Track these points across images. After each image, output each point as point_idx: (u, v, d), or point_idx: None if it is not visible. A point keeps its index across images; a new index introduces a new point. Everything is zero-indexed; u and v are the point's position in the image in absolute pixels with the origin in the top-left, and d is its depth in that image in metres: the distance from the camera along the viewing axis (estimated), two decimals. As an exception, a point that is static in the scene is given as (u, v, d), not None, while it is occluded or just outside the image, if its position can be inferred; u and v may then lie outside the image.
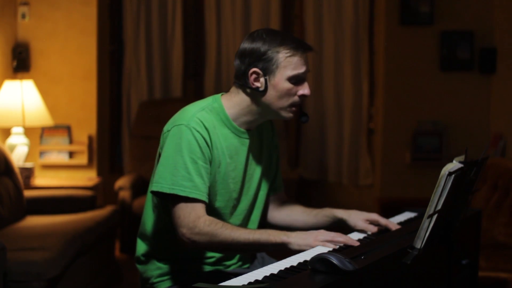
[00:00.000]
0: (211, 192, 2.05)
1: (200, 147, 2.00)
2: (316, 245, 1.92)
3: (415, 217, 2.41)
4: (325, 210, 2.27)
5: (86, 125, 5.07)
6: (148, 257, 2.17)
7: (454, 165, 1.78)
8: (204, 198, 2.00)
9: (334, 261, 1.60)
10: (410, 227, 2.16)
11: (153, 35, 5.60)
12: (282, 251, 1.96)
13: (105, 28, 5.43)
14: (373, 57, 5.50)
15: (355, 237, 2.08)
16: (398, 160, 5.23)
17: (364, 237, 2.11)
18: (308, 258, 1.73)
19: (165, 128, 2.07)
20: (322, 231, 1.97)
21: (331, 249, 1.90)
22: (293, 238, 1.94)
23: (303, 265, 1.75)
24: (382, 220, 2.19)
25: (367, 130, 5.55)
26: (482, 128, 5.07)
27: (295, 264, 1.76)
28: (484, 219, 3.60)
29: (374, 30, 5.49)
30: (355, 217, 2.20)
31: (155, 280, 2.15)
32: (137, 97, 5.59)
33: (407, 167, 5.22)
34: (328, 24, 5.52)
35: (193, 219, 1.96)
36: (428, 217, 1.75)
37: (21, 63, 4.92)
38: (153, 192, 2.03)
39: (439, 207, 1.75)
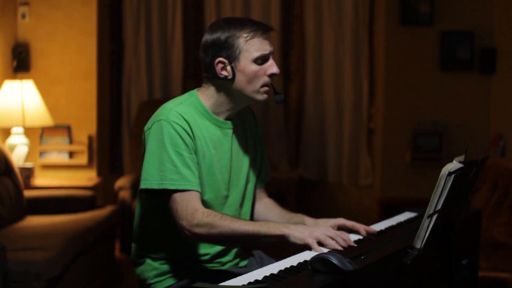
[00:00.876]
0: (200, 182, 2.05)
1: (182, 139, 2.01)
2: (309, 242, 1.90)
3: (415, 217, 2.40)
4: (298, 215, 2.26)
5: (86, 125, 5.07)
6: (143, 258, 2.17)
7: (454, 165, 1.78)
8: (196, 187, 2.00)
9: (334, 261, 1.60)
10: (410, 227, 2.16)
11: (153, 35, 5.60)
12: (282, 244, 1.95)
13: (105, 28, 5.43)
14: (373, 57, 5.50)
15: (353, 238, 2.08)
16: (398, 160, 5.23)
17: (363, 238, 2.10)
18: (308, 258, 1.73)
19: (146, 127, 2.09)
20: (321, 228, 1.96)
21: (325, 250, 1.89)
22: (291, 230, 1.93)
23: (303, 265, 1.75)
24: (348, 223, 2.15)
25: (367, 130, 5.55)
26: (482, 128, 5.07)
27: (295, 264, 1.76)
28: (484, 219, 3.60)
29: (374, 30, 5.49)
30: (321, 225, 2.15)
31: (152, 281, 2.15)
32: (137, 97, 5.59)
33: (407, 167, 5.22)
34: (328, 24, 5.52)
35: (191, 211, 1.97)
36: (428, 217, 1.75)
37: (21, 63, 4.92)
38: (142, 190, 2.03)
39: (439, 207, 1.75)
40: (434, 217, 1.75)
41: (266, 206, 2.33)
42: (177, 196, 1.98)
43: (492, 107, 5.05)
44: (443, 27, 5.11)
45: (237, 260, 2.24)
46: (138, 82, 5.60)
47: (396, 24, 5.17)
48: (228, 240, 2.02)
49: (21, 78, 4.77)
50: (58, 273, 3.24)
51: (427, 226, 1.75)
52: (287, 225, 1.96)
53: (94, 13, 5.07)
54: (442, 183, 1.74)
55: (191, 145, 2.03)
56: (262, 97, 2.09)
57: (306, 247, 1.91)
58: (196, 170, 2.03)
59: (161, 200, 2.05)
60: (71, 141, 5.02)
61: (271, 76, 2.08)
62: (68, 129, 5.01)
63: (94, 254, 3.87)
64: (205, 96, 2.11)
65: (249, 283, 1.60)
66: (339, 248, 1.89)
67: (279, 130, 5.66)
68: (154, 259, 2.15)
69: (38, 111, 4.53)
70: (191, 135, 2.03)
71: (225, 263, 2.20)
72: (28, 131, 4.77)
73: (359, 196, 5.57)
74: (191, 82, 5.68)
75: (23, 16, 4.98)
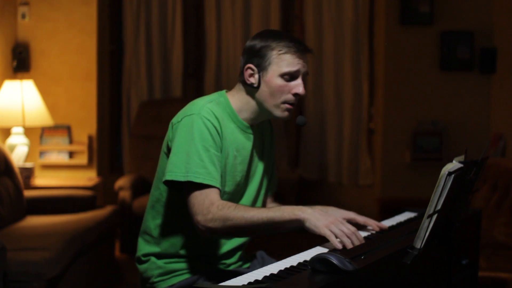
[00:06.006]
0: (221, 181, 2.05)
1: (211, 135, 2.01)
2: (326, 233, 1.89)
3: (415, 217, 2.40)
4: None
5: (86, 125, 5.07)
6: (149, 256, 2.18)
7: (454, 165, 1.78)
8: (218, 184, 2.00)
9: (334, 261, 1.59)
10: (410, 227, 2.15)
11: (153, 35, 5.60)
12: (298, 229, 1.92)
13: (105, 28, 5.43)
14: (373, 57, 5.50)
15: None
16: (398, 160, 5.23)
17: (368, 235, 2.10)
18: (308, 258, 1.73)
19: (174, 119, 2.08)
20: (339, 220, 1.93)
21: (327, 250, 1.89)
22: (308, 214, 1.91)
23: (303, 265, 1.75)
24: (360, 218, 2.16)
25: (367, 130, 5.55)
26: (482, 128, 5.06)
27: (295, 264, 1.76)
28: (484, 219, 3.59)
29: (374, 30, 5.49)
30: (331, 213, 2.16)
31: (155, 280, 2.15)
32: (137, 97, 5.59)
33: (407, 167, 5.22)
34: (328, 24, 5.52)
35: (207, 205, 1.96)
36: (428, 217, 1.75)
37: (21, 63, 4.92)
38: (166, 182, 2.03)
39: (439, 207, 1.75)
40: (434, 217, 1.74)
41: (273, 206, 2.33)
42: (197, 190, 1.97)
43: (492, 107, 5.05)
44: (443, 27, 5.11)
45: (240, 263, 2.24)
46: (138, 82, 5.60)
47: (396, 24, 5.17)
48: (243, 231, 2.00)
49: (21, 78, 4.77)
50: (58, 273, 3.24)
51: (427, 226, 1.75)
52: (302, 208, 1.94)
53: (94, 13, 5.07)
54: (442, 183, 1.74)
55: (219, 143, 2.03)
56: (282, 114, 2.10)
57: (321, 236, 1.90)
58: (220, 168, 2.03)
59: (179, 194, 2.04)
60: (71, 141, 5.03)
61: (296, 95, 2.08)
62: (68, 129, 5.01)
63: (94, 254, 3.87)
64: (234, 99, 2.13)
65: (249, 283, 1.60)
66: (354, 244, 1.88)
67: (279, 130, 5.66)
68: (159, 258, 2.16)
69: (38, 111, 4.53)
70: (220, 134, 2.04)
71: (229, 265, 2.20)
72: (28, 131, 4.77)
73: (359, 196, 5.57)
74: (191, 82, 5.69)
75: (23, 16, 4.98)
